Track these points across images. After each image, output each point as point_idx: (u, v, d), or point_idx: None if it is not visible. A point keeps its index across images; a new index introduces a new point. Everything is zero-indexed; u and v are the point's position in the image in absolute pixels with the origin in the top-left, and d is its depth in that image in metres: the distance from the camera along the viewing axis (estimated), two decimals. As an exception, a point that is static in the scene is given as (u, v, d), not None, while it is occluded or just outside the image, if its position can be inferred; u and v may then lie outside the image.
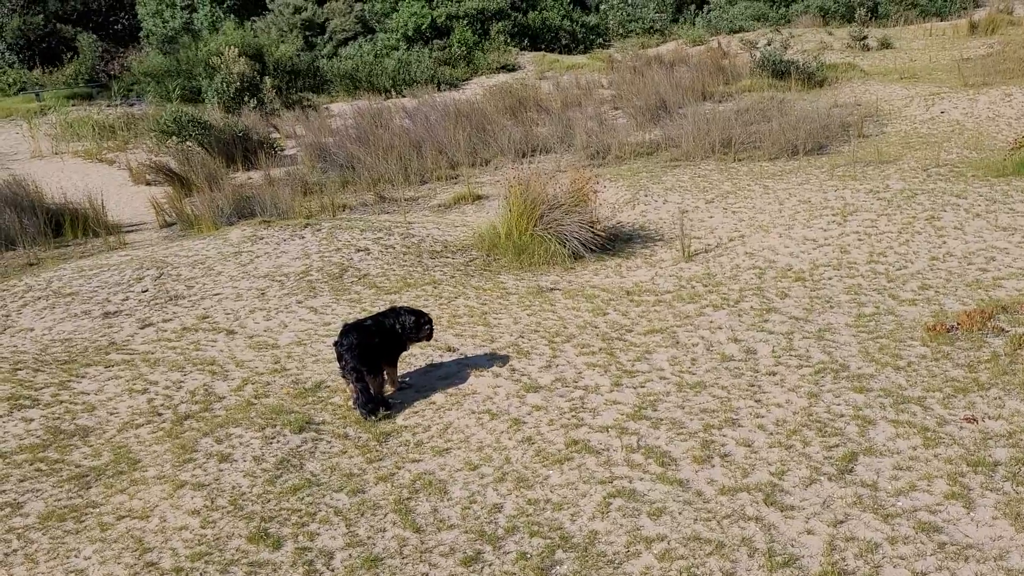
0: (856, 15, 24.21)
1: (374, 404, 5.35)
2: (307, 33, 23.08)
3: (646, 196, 10.25)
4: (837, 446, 4.53)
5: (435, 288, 7.70)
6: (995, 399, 4.85)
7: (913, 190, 9.28)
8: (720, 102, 15.84)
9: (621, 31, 27.39)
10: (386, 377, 5.60)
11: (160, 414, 5.48)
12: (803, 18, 25.88)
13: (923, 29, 23.10)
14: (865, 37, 20.95)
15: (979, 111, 13.17)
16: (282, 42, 21.15)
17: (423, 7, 23.71)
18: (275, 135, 15.37)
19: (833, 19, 25.50)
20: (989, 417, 4.68)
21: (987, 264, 7.08)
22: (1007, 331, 5.56)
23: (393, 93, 19.69)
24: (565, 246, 8.45)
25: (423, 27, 23.08)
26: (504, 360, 5.91)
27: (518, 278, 7.99)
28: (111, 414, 5.51)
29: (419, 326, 5.69)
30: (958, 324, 5.73)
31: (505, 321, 6.74)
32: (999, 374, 5.10)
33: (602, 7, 28.81)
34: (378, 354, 5.45)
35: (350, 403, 5.44)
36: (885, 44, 20.76)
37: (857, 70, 17.73)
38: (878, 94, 15.25)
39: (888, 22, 24.97)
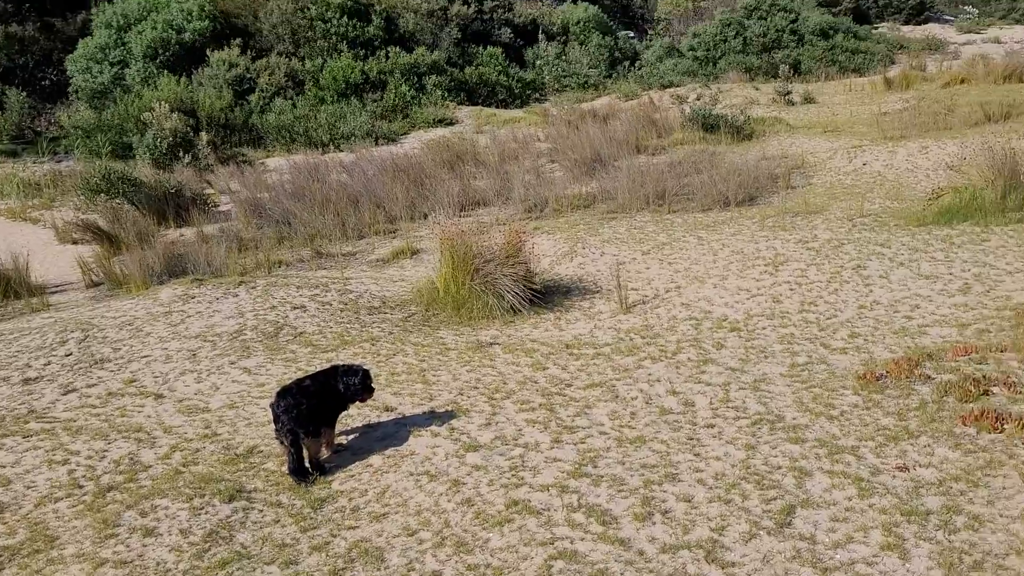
0: (780, 71, 25.19)
1: (310, 469, 5.20)
2: (238, 88, 22.95)
3: (584, 248, 10.35)
4: (775, 499, 4.54)
5: (373, 345, 7.60)
6: (925, 447, 4.94)
7: (840, 240, 9.56)
8: (653, 155, 16.19)
9: (556, 86, 27.96)
10: (323, 440, 5.46)
11: (81, 487, 5.22)
12: (730, 74, 26.80)
13: (843, 85, 24.13)
14: (789, 92, 21.76)
15: (898, 163, 13.72)
16: (218, 97, 20.98)
17: (353, 61, 23.85)
18: (209, 191, 15.13)
19: (758, 75, 26.48)
20: (920, 465, 4.76)
21: (912, 312, 7.29)
22: (933, 378, 5.71)
23: (331, 147, 19.64)
24: (503, 300, 8.44)
25: (353, 81, 23.20)
26: (443, 419, 5.82)
27: (457, 333, 7.94)
28: (28, 488, 5.22)
29: (365, 384, 5.61)
30: (887, 372, 5.86)
31: (444, 378, 6.67)
32: (927, 421, 5.21)
33: (538, 63, 29.41)
34: (317, 416, 5.32)
35: (284, 468, 5.28)
36: (808, 99, 21.59)
37: (783, 124, 18.36)
38: (803, 147, 15.79)
39: (810, 78, 26.03)
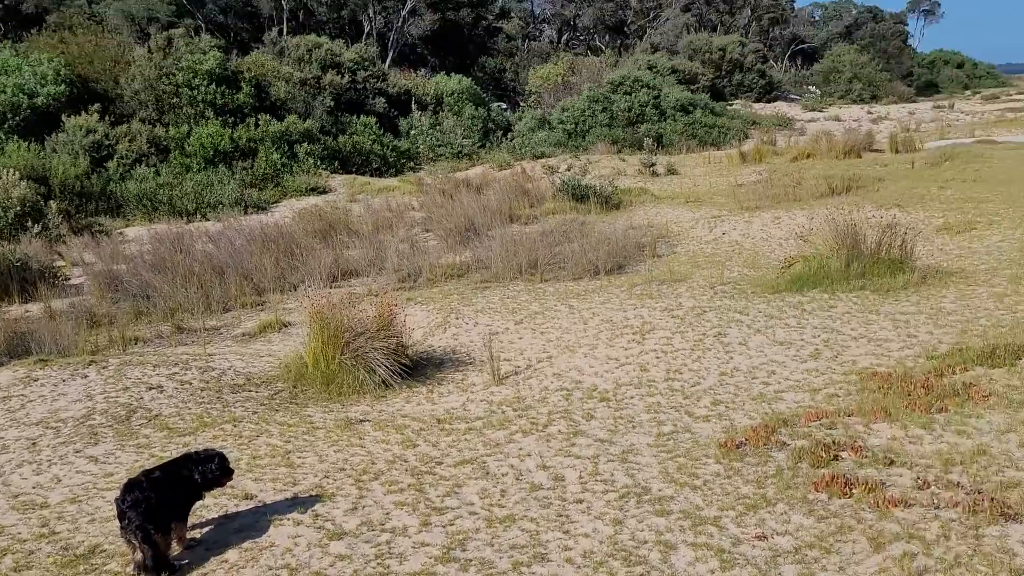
0: (644, 144, 26.44)
1: (159, 568, 4.83)
2: (96, 154, 21.97)
3: (457, 319, 10.33)
4: None
5: (235, 426, 7.24)
6: (781, 514, 5.10)
7: (703, 307, 9.95)
8: (526, 224, 16.50)
9: (431, 155, 28.27)
10: (174, 535, 5.10)
11: None
12: (598, 145, 27.93)
13: (703, 157, 25.55)
14: (654, 164, 22.82)
15: (754, 232, 14.53)
16: (73, 164, 19.98)
17: (222, 128, 23.38)
18: (60, 263, 14.26)
19: (624, 147, 27.71)
20: (777, 533, 4.90)
21: (769, 378, 7.61)
22: (788, 445, 5.94)
23: (197, 216, 19.00)
24: (375, 373, 8.26)
25: (223, 148, 22.70)
26: (307, 505, 5.57)
27: (326, 410, 7.69)
28: None
29: (224, 468, 5.33)
30: (746, 440, 6.05)
31: (310, 460, 6.41)
32: (784, 488, 5.39)
33: (412, 132, 29.71)
34: (168, 510, 4.98)
35: (130, 568, 4.88)
36: (671, 171, 22.70)
37: (648, 194, 19.17)
38: (667, 216, 16.49)
39: (673, 150, 27.45)
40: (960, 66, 78.03)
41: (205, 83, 24.83)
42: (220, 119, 24.19)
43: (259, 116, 24.64)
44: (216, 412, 7.63)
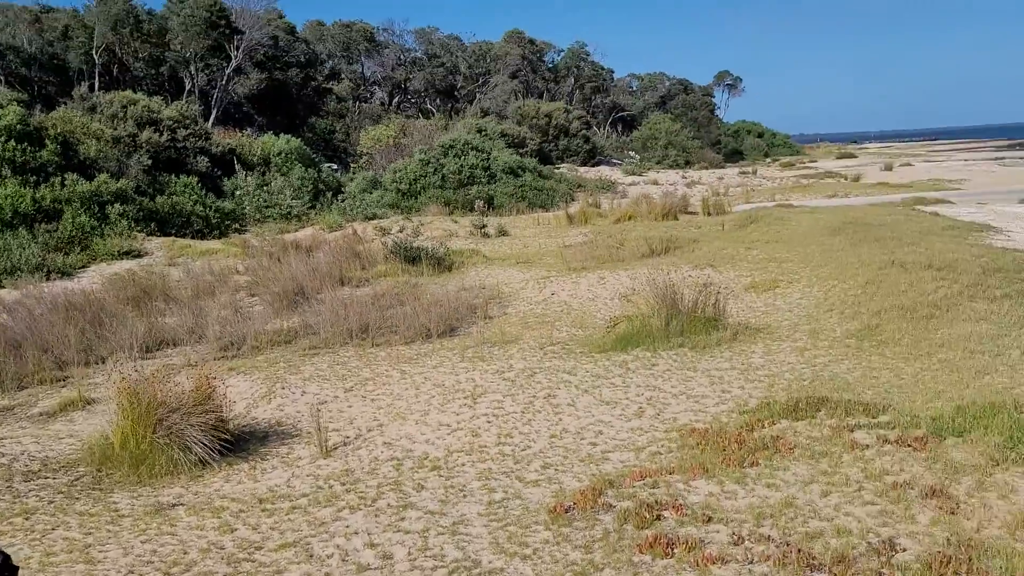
0: (475, 205, 26.93)
1: None
2: None
3: (283, 388, 9.91)
4: (472, 656, 4.42)
5: (27, 519, 6.51)
6: (609, 579, 5.15)
7: (533, 369, 10.08)
8: (357, 287, 16.23)
9: (258, 216, 27.42)
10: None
11: None
12: (430, 207, 28.15)
13: (532, 219, 26.30)
14: (485, 226, 23.24)
15: (582, 292, 14.99)
16: None
17: (22, 188, 21.64)
18: None
19: (456, 208, 28.09)
20: (605, 599, 4.93)
21: (596, 438, 7.77)
22: (614, 507, 6.03)
23: (-10, 284, 17.34)
24: (191, 452, 7.73)
25: (23, 210, 20.98)
26: (107, 607, 5.05)
27: (134, 496, 7.08)
28: None
29: (8, 567, 4.73)
30: (574, 504, 6.10)
31: (113, 554, 5.84)
32: (610, 552, 5.45)
33: (238, 193, 28.73)
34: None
35: None
36: (502, 232, 23.18)
37: (480, 255, 19.41)
38: (499, 278, 16.74)
39: (503, 212, 28.11)
40: (760, 135, 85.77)
41: (3, 139, 22.94)
42: (20, 178, 22.37)
43: (66, 175, 23.00)
44: (5, 504, 6.85)
